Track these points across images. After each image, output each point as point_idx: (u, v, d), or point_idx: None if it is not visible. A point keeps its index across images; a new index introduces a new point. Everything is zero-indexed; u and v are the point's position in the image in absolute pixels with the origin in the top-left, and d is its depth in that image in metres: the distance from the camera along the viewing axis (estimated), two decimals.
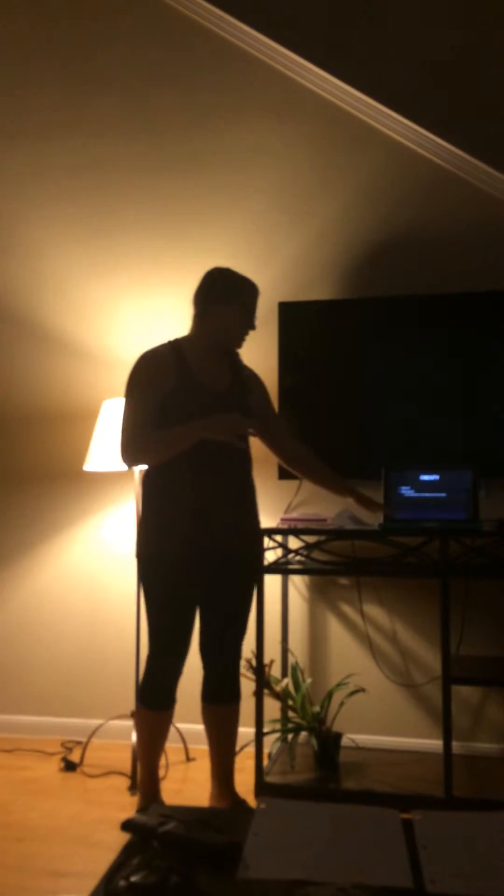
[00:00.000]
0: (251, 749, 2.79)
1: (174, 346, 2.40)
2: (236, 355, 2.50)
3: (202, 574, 2.35)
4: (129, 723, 2.95)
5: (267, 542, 2.69)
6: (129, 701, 3.09)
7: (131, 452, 2.30)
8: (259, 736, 2.60)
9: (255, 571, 2.52)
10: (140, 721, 2.41)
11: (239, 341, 2.45)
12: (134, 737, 2.82)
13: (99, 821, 2.48)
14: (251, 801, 2.51)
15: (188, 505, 2.31)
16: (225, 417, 2.29)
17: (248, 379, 2.52)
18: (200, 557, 2.33)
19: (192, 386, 2.34)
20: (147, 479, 2.39)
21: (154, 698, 2.37)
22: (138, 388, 2.33)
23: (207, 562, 2.35)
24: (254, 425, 2.43)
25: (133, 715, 2.87)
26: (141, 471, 3.08)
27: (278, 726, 2.83)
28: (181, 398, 2.32)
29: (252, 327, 2.45)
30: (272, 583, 3.10)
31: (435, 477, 2.74)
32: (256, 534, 2.51)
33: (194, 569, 2.33)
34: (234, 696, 2.48)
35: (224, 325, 2.40)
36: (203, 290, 2.42)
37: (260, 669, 2.61)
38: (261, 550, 2.55)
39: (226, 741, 2.48)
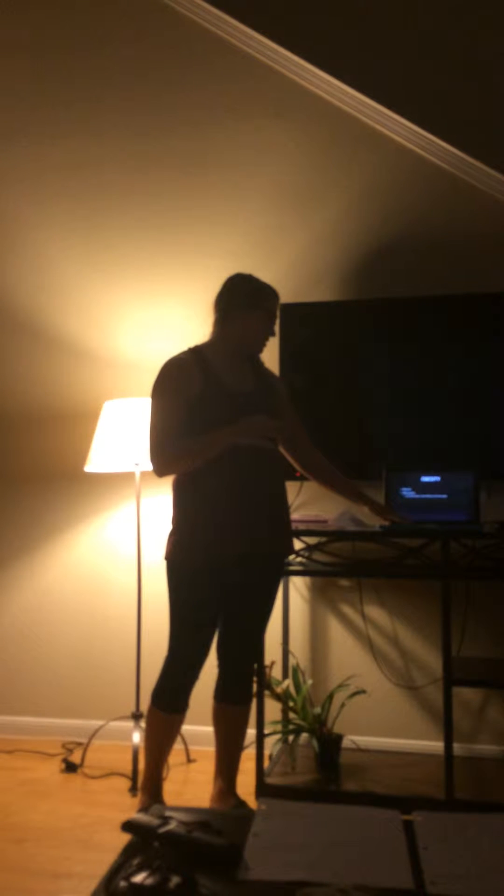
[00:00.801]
0: (252, 750, 2.78)
1: (196, 352, 2.39)
2: (258, 358, 2.49)
3: (231, 579, 2.34)
4: (130, 724, 2.94)
5: None
6: (130, 702, 3.09)
7: (162, 462, 2.30)
8: (260, 737, 2.60)
9: (281, 574, 2.49)
10: (151, 722, 2.40)
11: (260, 347, 2.46)
12: (135, 738, 2.83)
13: (99, 822, 2.48)
14: (252, 802, 2.50)
15: (220, 510, 2.29)
16: (253, 421, 2.29)
17: (272, 381, 2.52)
18: (230, 563, 2.31)
19: (218, 389, 2.33)
20: (178, 485, 2.37)
21: (169, 701, 2.36)
22: (164, 397, 2.32)
23: (236, 566, 2.32)
24: (281, 427, 2.41)
25: (135, 716, 2.87)
26: (143, 473, 3.08)
27: (279, 728, 2.83)
28: (208, 403, 2.31)
29: (273, 333, 2.45)
30: None
31: (436, 478, 2.74)
32: (288, 537, 2.46)
33: (224, 575, 2.32)
34: (247, 697, 2.48)
35: (246, 331, 2.40)
36: (225, 296, 2.41)
37: (261, 671, 2.61)
38: (291, 552, 2.51)
39: (235, 741, 2.49)
